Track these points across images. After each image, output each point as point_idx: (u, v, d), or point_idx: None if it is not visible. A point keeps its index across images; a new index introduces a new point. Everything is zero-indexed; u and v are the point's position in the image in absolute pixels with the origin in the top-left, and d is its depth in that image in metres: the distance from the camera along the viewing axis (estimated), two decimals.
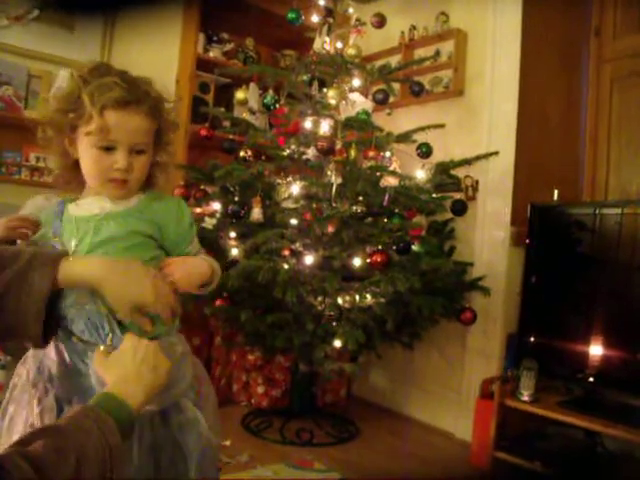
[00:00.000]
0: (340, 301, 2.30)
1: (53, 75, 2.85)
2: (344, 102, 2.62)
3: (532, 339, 2.49)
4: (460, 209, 2.73)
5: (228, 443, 2.47)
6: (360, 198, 2.50)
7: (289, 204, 2.46)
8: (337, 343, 2.33)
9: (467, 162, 2.64)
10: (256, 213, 2.41)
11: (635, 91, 2.80)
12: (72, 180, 1.10)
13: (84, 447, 0.76)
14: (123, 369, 0.91)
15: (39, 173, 2.80)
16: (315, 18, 2.77)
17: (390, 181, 2.44)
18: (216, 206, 2.62)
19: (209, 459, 1.07)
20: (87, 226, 1.03)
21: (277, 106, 2.74)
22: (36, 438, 0.74)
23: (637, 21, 2.80)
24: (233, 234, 2.51)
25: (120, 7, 3.05)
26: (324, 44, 2.71)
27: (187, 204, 1.17)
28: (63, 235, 1.04)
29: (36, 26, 2.82)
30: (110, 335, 0.99)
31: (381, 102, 2.71)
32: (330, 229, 2.37)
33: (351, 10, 2.81)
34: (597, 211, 2.41)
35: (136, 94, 1.02)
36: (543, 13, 2.86)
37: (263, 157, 2.73)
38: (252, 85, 3.21)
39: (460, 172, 2.78)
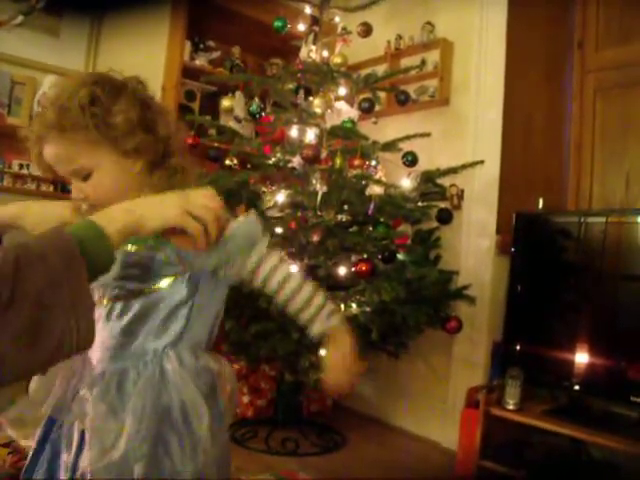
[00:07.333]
0: None
1: (37, 81, 2.84)
2: (330, 111, 2.62)
3: (518, 347, 2.49)
4: (445, 218, 2.74)
5: None
6: (345, 207, 2.50)
7: (274, 212, 2.45)
8: (322, 352, 2.32)
9: (453, 171, 2.66)
10: None
11: (618, 101, 2.83)
12: None
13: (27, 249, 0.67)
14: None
15: (22, 180, 2.78)
16: (301, 27, 2.78)
17: (375, 190, 2.45)
18: None
19: None
20: None
21: (263, 114, 2.74)
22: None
23: (618, 35, 2.83)
24: None
25: (106, 11, 3.04)
26: (310, 53, 2.71)
27: None
28: None
29: (20, 32, 2.79)
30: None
31: (367, 111, 2.72)
32: (315, 238, 2.36)
33: (337, 19, 2.82)
34: (582, 220, 2.42)
35: (37, 130, 0.93)
36: (528, 24, 2.88)
37: (249, 165, 2.72)
38: (238, 93, 3.20)
39: (446, 181, 2.79)
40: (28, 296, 0.64)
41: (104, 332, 0.98)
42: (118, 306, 0.98)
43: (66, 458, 0.99)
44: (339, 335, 1.03)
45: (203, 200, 0.85)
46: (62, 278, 0.67)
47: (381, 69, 3.26)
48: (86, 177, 0.94)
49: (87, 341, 0.70)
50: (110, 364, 0.98)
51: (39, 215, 1.00)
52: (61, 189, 2.82)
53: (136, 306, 0.98)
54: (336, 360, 1.02)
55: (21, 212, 1.00)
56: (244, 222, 1.01)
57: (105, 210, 0.79)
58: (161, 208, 0.82)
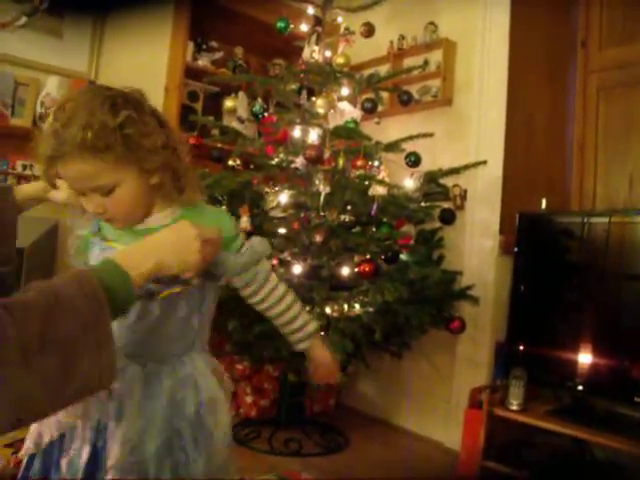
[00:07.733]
0: (328, 310, 2.29)
1: (41, 82, 2.84)
2: (333, 111, 2.62)
3: (521, 348, 2.49)
4: (449, 218, 2.74)
5: None
6: (348, 207, 2.50)
7: (277, 213, 2.46)
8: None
9: (455, 171, 2.66)
10: (244, 222, 2.40)
11: (621, 101, 2.83)
12: None
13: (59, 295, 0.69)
14: (146, 240, 0.88)
15: (25, 181, 2.78)
16: (304, 27, 2.78)
17: (378, 190, 2.44)
18: None
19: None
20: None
21: (266, 115, 2.74)
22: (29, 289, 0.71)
23: (621, 34, 2.83)
24: None
25: (109, 12, 3.04)
26: (313, 53, 2.71)
27: None
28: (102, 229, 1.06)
29: (23, 33, 2.80)
30: None
31: (370, 111, 2.72)
32: (318, 238, 2.36)
33: (340, 19, 2.82)
34: (585, 220, 2.42)
35: (61, 149, 0.90)
36: (531, 24, 2.88)
37: (252, 166, 2.72)
38: (241, 94, 3.20)
39: (448, 181, 2.79)
40: (58, 343, 0.66)
41: (119, 330, 0.99)
42: (136, 306, 1.00)
43: (72, 456, 1.00)
44: (320, 348, 1.23)
45: (212, 239, 0.93)
46: (90, 325, 0.70)
47: (384, 69, 3.27)
48: (107, 193, 0.95)
49: (108, 383, 0.74)
50: (129, 361, 1.00)
51: (66, 191, 1.08)
52: None
53: (156, 311, 1.01)
54: (323, 365, 1.23)
55: (49, 188, 1.11)
56: (257, 243, 1.13)
57: (130, 252, 0.84)
58: (183, 256, 0.88)
